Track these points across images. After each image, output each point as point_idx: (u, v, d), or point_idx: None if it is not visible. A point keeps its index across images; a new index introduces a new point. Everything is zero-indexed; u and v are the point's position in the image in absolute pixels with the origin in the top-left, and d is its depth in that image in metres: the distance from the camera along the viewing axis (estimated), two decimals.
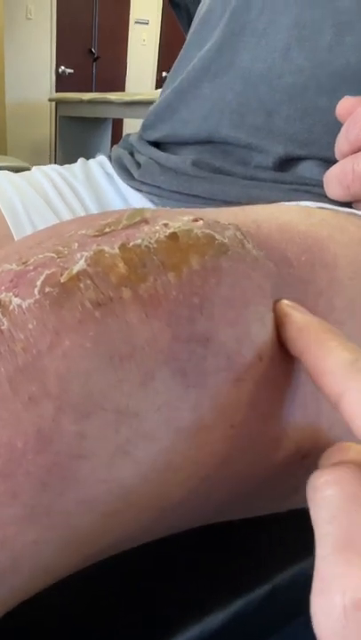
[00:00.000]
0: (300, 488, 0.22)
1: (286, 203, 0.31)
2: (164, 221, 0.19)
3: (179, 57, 0.48)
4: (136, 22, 4.71)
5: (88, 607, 0.25)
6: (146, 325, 0.16)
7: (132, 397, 0.16)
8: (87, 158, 0.55)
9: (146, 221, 0.19)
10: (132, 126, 4.48)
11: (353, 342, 0.21)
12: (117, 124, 4.17)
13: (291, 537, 0.29)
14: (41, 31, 4.18)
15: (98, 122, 3.41)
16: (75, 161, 0.55)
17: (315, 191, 0.33)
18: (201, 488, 0.19)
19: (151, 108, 0.49)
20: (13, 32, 3.99)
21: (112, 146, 0.57)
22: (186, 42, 0.48)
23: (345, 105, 0.29)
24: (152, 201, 0.45)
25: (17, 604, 0.19)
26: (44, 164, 0.54)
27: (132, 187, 0.47)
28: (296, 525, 0.29)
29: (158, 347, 0.16)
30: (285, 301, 0.20)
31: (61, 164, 0.55)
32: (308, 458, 0.21)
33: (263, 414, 0.19)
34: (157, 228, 0.18)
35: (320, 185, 0.32)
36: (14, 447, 0.15)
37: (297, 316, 0.19)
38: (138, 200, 0.47)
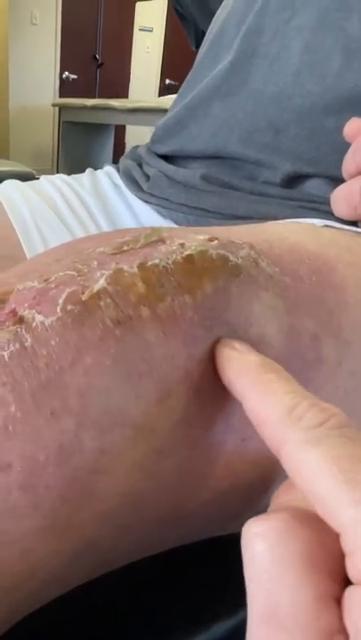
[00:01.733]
0: None
1: (294, 220, 0.32)
2: (181, 241, 0.19)
3: (190, 75, 0.49)
4: (140, 29, 4.74)
5: (92, 616, 0.25)
6: (163, 344, 0.17)
7: (149, 414, 0.17)
8: (89, 163, 0.56)
9: (163, 241, 0.20)
10: (134, 133, 4.51)
11: (358, 365, 0.21)
12: (120, 131, 4.19)
13: None
14: (46, 37, 4.22)
15: (101, 128, 3.43)
16: (77, 165, 0.56)
17: (322, 209, 0.34)
18: (213, 500, 0.19)
19: (160, 122, 0.49)
20: (18, 37, 4.02)
21: (114, 152, 0.58)
22: (197, 61, 0.49)
23: (352, 126, 0.30)
24: (160, 213, 0.45)
25: (30, 611, 0.20)
26: (47, 169, 0.55)
27: (140, 198, 0.47)
28: None
29: (175, 365, 0.17)
30: (223, 340, 0.18)
31: (64, 168, 0.56)
32: None
33: None
34: (174, 248, 0.19)
35: (327, 202, 0.32)
36: (36, 461, 0.16)
37: (235, 356, 0.17)
38: (146, 212, 0.47)
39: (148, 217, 0.47)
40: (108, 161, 3.33)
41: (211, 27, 0.49)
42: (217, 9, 0.51)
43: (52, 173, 0.54)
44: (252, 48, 0.40)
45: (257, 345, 0.19)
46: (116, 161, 0.55)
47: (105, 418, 0.16)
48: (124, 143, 4.66)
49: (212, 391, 0.18)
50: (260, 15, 0.40)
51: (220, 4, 0.50)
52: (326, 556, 0.13)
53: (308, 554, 0.13)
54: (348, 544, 0.12)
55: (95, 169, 0.55)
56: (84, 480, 0.16)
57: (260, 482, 0.20)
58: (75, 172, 0.55)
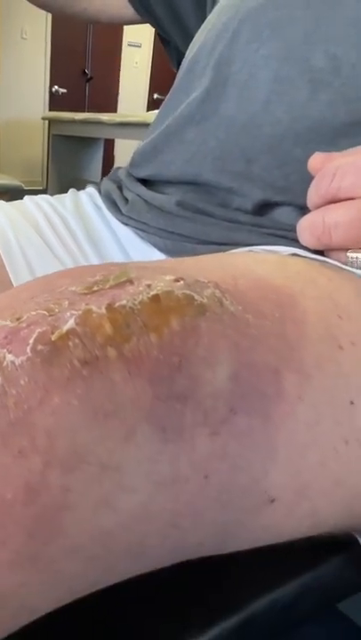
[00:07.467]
0: (269, 527, 0.24)
1: (264, 247, 0.33)
2: (148, 282, 0.20)
3: (166, 100, 0.50)
4: (129, 45, 4.81)
5: (89, 615, 0.25)
6: (129, 384, 0.18)
7: (114, 452, 0.17)
8: (79, 176, 0.57)
9: (131, 282, 0.20)
10: (123, 146, 4.54)
11: (319, 397, 0.22)
12: (109, 144, 4.23)
13: (262, 571, 0.31)
14: (36, 51, 4.25)
15: (90, 141, 3.46)
16: (67, 178, 0.57)
17: (290, 236, 0.35)
18: (176, 533, 0.20)
19: (138, 147, 0.51)
20: (8, 51, 4.06)
21: (103, 165, 0.59)
22: (173, 86, 0.50)
23: (316, 160, 0.31)
24: (138, 235, 0.47)
25: (3, 636, 0.20)
26: (37, 182, 0.56)
27: (119, 221, 0.49)
28: (267, 560, 0.30)
29: (140, 404, 0.18)
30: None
31: (53, 181, 0.57)
32: (276, 501, 0.22)
33: (235, 465, 0.20)
34: (141, 289, 0.20)
35: (295, 230, 0.34)
36: (3, 498, 0.16)
37: None
38: (126, 234, 0.48)
39: (129, 239, 0.48)
40: (97, 174, 3.35)
41: (187, 52, 0.50)
42: None
43: (42, 186, 0.55)
44: (223, 77, 0.41)
45: (223, 381, 0.20)
46: (105, 174, 0.57)
47: (71, 456, 0.17)
48: (113, 156, 4.69)
49: (176, 428, 0.19)
50: (230, 46, 0.41)
51: None
52: None
53: None
54: None
55: (84, 182, 0.56)
56: (50, 517, 0.17)
57: (220, 514, 0.21)
58: (64, 185, 0.56)
